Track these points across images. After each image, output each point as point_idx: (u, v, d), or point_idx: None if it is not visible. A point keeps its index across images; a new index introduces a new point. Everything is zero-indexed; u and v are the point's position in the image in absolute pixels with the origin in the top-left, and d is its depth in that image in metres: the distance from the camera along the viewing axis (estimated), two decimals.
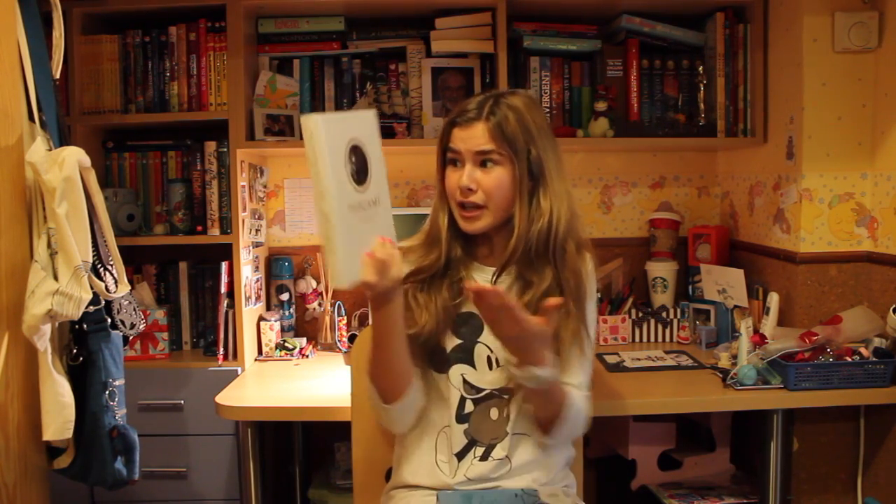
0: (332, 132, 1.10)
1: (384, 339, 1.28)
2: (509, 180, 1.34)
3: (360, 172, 1.15)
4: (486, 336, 1.38)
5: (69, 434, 1.46)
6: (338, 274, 1.11)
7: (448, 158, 1.38)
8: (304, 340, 2.41)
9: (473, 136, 1.33)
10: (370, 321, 1.34)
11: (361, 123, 1.18)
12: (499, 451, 1.38)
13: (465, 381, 1.38)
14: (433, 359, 1.39)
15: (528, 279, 1.37)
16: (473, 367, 1.38)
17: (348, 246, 1.12)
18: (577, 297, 1.37)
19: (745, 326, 1.97)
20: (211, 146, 2.28)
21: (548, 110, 2.40)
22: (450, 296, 1.38)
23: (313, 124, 1.08)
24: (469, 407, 1.38)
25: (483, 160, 1.34)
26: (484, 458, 1.38)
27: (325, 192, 1.09)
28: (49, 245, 1.42)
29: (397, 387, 1.34)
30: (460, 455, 1.38)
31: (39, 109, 1.51)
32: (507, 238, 1.38)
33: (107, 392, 1.53)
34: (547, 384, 1.26)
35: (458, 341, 1.39)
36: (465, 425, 1.38)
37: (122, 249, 1.63)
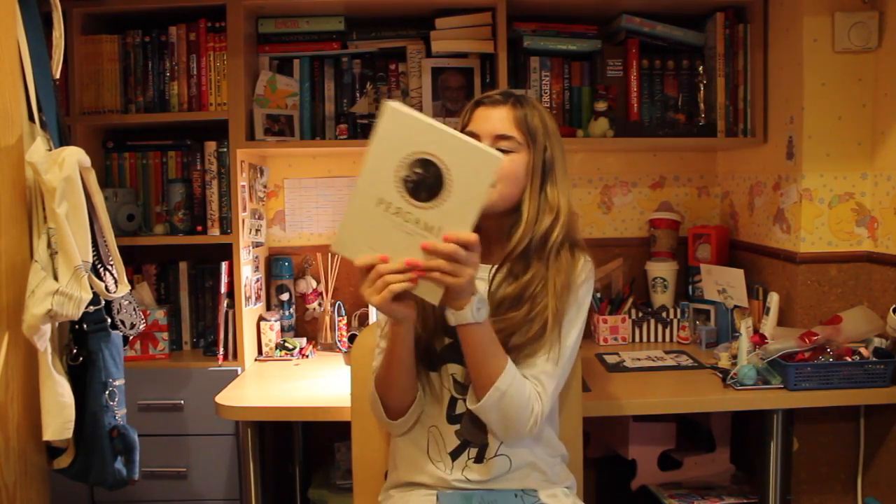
0: (398, 126, 1.11)
1: (396, 357, 1.30)
2: (523, 168, 1.35)
3: (420, 188, 1.12)
4: None
5: (69, 434, 1.46)
6: (336, 239, 1.18)
7: None
8: (304, 340, 2.41)
9: (497, 118, 1.35)
10: (380, 325, 1.34)
11: (467, 153, 1.11)
12: (490, 451, 1.37)
13: (455, 381, 1.38)
14: (425, 357, 1.38)
15: (514, 272, 1.37)
16: (463, 365, 1.37)
17: (355, 224, 1.16)
18: (559, 295, 1.35)
19: (745, 326, 1.97)
20: (211, 146, 2.28)
21: (548, 110, 2.39)
22: None
23: (387, 108, 1.10)
24: (461, 408, 1.38)
25: (501, 146, 1.33)
26: (479, 459, 1.38)
27: (361, 170, 1.13)
28: (49, 245, 1.42)
29: (404, 403, 1.37)
30: (454, 454, 1.38)
31: (39, 109, 1.51)
32: (504, 235, 1.38)
33: (107, 392, 1.53)
34: (468, 325, 1.23)
35: (449, 340, 1.37)
36: (457, 426, 1.38)
37: (122, 249, 1.62)
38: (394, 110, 1.10)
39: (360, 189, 1.13)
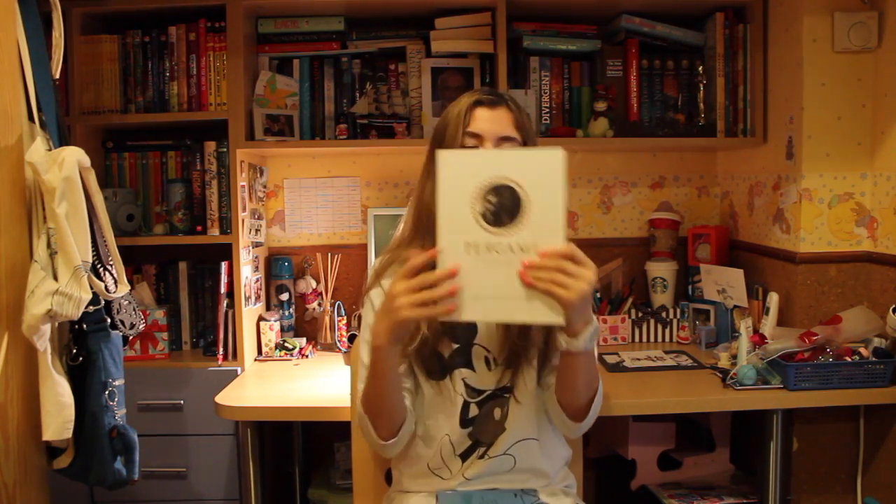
0: (456, 167, 1.11)
1: (389, 373, 1.25)
2: None
3: (500, 215, 1.09)
4: (482, 337, 1.38)
5: (69, 434, 1.46)
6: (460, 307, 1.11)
7: (463, 144, 1.35)
8: (303, 340, 2.41)
9: (500, 119, 1.35)
10: (373, 355, 1.24)
11: (528, 163, 1.10)
12: (495, 449, 1.38)
13: (466, 385, 1.38)
14: (432, 367, 1.37)
15: None
16: (472, 369, 1.38)
17: (465, 280, 1.10)
18: None
19: (744, 326, 1.97)
20: (211, 146, 2.28)
21: (548, 110, 2.40)
22: None
23: (439, 158, 1.11)
24: (474, 410, 1.38)
25: (504, 147, 1.34)
26: (482, 456, 1.38)
27: (437, 228, 1.11)
28: (49, 245, 1.42)
29: (396, 421, 1.33)
30: (464, 455, 1.39)
31: (39, 109, 1.51)
32: None
33: (106, 392, 1.53)
34: (591, 345, 1.22)
35: (456, 345, 1.38)
36: (470, 428, 1.38)
37: (121, 249, 1.63)
38: (446, 154, 1.12)
39: (444, 245, 1.11)
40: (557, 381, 1.35)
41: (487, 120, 1.34)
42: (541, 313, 1.10)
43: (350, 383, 1.61)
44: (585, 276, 1.08)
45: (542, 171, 1.08)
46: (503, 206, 1.09)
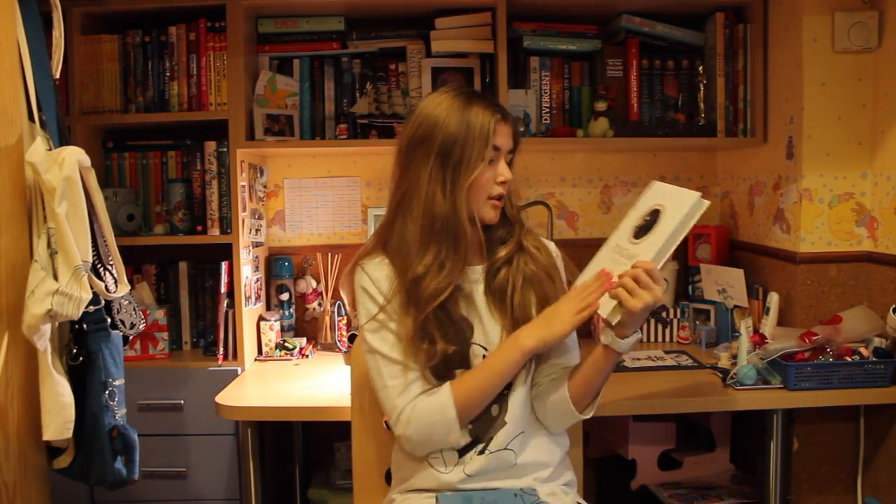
0: (657, 194, 1.36)
1: (513, 373, 1.37)
2: None
3: (642, 230, 1.31)
4: (479, 336, 1.40)
5: (69, 434, 1.46)
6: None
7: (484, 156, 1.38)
8: (303, 340, 2.41)
9: (511, 135, 1.42)
10: (519, 357, 1.35)
11: (680, 195, 1.32)
12: (495, 444, 1.38)
13: None
14: (437, 367, 1.37)
15: (501, 264, 1.45)
16: (470, 368, 1.39)
17: (592, 268, 1.37)
18: (549, 264, 1.47)
19: (745, 326, 1.97)
20: (211, 146, 2.28)
21: (548, 110, 2.40)
22: (463, 305, 1.40)
23: (655, 187, 1.38)
24: None
25: (509, 159, 1.43)
26: (482, 451, 1.38)
27: (619, 227, 1.38)
28: (49, 245, 1.43)
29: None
30: (462, 451, 1.39)
31: (39, 109, 1.51)
32: (485, 241, 1.45)
33: (107, 392, 1.53)
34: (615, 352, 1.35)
35: (454, 347, 1.37)
36: (471, 425, 1.38)
37: (122, 249, 1.63)
38: (657, 184, 1.38)
39: (609, 241, 1.37)
40: (579, 373, 1.40)
41: (505, 136, 1.40)
42: (606, 308, 1.28)
43: (350, 383, 1.61)
44: (654, 290, 1.24)
45: (680, 203, 1.29)
46: (647, 224, 1.31)
